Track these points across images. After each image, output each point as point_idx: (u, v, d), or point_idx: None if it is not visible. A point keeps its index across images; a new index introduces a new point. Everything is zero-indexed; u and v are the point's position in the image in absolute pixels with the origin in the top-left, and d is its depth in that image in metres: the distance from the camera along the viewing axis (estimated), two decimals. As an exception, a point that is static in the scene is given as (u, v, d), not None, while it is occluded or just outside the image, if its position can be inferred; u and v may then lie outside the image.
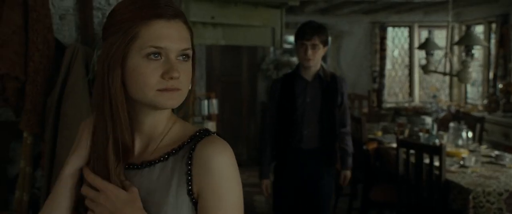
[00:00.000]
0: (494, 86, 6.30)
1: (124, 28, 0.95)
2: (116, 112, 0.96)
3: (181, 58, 0.97)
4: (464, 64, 4.38)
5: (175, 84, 0.95)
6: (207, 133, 1.01)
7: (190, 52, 0.99)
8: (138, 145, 1.03)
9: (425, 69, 5.22)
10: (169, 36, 0.95)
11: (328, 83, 2.95)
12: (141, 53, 0.94)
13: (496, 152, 3.88)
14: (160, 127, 1.02)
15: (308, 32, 2.82)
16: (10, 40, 2.10)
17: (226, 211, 0.96)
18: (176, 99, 0.96)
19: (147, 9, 0.95)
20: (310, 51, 2.82)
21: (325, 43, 2.87)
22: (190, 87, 1.00)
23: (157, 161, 0.99)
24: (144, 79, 0.94)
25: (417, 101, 7.76)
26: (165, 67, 0.95)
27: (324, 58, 8.27)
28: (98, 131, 0.99)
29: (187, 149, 0.99)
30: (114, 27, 0.96)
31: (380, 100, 7.62)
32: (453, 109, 6.45)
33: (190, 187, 0.96)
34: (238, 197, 0.98)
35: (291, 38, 7.66)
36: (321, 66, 2.98)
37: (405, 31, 7.87)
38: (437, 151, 3.16)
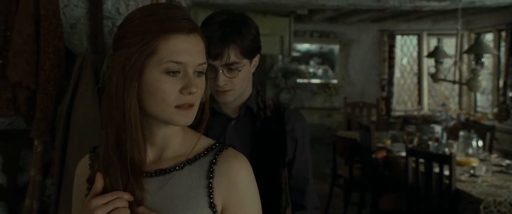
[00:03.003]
0: (504, 94, 6.25)
1: (142, 41, 0.93)
2: (129, 126, 0.94)
3: (196, 73, 0.96)
4: (473, 73, 4.36)
5: (191, 100, 0.95)
6: (223, 145, 1.02)
7: (205, 67, 0.98)
8: (151, 154, 1.02)
9: (434, 77, 5.21)
10: (188, 50, 0.94)
11: (266, 122, 1.58)
12: (160, 68, 0.93)
13: (507, 161, 3.85)
14: (172, 137, 1.02)
15: (214, 43, 1.41)
16: (22, 50, 2.13)
17: None
18: (190, 117, 0.97)
19: (166, 23, 0.93)
20: (222, 78, 1.45)
21: (251, 53, 1.49)
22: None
23: (172, 169, 1.00)
24: (162, 95, 0.93)
25: (426, 109, 7.72)
26: (183, 82, 0.94)
27: (332, 67, 8.24)
28: (107, 147, 0.96)
29: (206, 161, 1.00)
30: (130, 39, 0.94)
31: (388, 109, 7.59)
32: (462, 118, 6.41)
33: (212, 200, 0.97)
34: (260, 207, 1.05)
35: (300, 46, 7.68)
36: (254, 90, 1.61)
37: (414, 39, 7.86)
38: (447, 160, 3.13)
